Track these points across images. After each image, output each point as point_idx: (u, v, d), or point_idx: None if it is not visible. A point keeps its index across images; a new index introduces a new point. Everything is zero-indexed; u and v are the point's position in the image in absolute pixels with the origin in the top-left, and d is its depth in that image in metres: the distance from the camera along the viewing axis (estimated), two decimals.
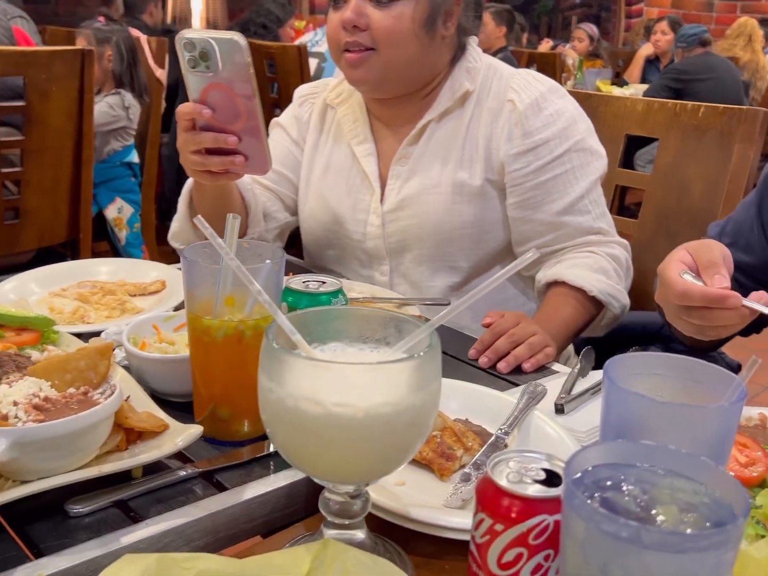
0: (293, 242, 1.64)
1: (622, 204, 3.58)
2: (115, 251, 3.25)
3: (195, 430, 0.80)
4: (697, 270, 0.91)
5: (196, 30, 0.95)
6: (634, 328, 1.44)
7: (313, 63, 3.89)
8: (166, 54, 3.44)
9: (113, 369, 0.91)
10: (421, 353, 0.60)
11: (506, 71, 1.37)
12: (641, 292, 1.46)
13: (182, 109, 1.04)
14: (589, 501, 0.46)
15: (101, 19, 3.11)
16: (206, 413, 0.86)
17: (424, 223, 1.35)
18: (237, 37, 0.94)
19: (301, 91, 1.54)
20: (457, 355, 1.13)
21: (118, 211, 3.10)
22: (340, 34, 1.28)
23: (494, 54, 4.99)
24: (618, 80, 6.21)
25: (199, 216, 0.71)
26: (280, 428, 0.61)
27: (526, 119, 1.31)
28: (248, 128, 1.02)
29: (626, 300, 1.33)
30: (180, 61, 1.00)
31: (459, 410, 0.90)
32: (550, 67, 5.03)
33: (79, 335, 1.06)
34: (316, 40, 4.13)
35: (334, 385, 0.58)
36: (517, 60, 5.00)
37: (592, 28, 6.39)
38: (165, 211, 4.35)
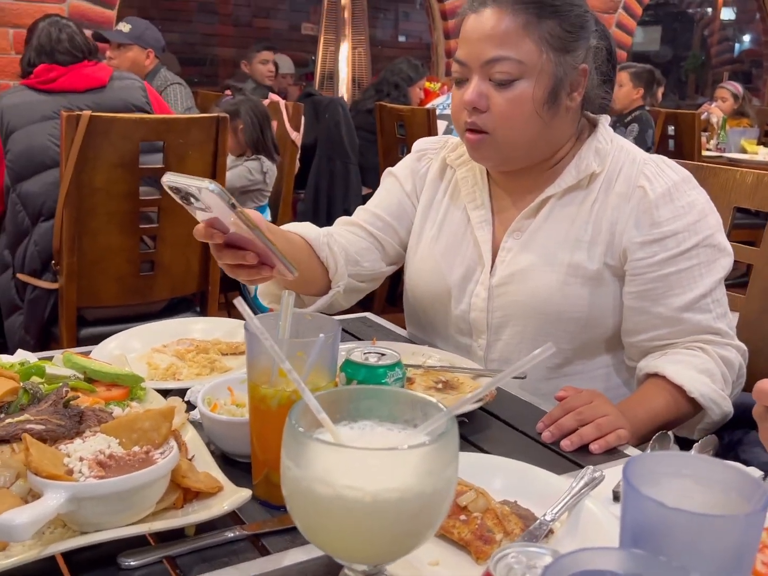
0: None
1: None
2: (246, 302, 3.41)
3: (244, 495, 0.84)
4: None
5: (177, 174, 0.94)
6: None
7: (442, 125, 3.98)
8: (302, 117, 3.63)
9: (185, 428, 0.98)
10: (430, 441, 0.61)
11: (639, 156, 1.34)
12: None
13: (196, 233, 1.06)
14: None
15: (227, 93, 3.32)
16: (261, 477, 0.90)
17: (531, 300, 1.32)
18: (209, 185, 0.92)
19: (420, 145, 1.55)
20: (526, 430, 1.12)
21: None
22: (463, 113, 1.29)
23: (630, 113, 4.91)
24: (767, 139, 5.91)
25: (239, 298, 0.76)
26: (296, 505, 0.64)
27: (656, 208, 1.27)
28: (258, 248, 1.04)
29: (729, 408, 1.26)
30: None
31: (509, 491, 0.89)
32: (690, 127, 4.87)
33: (168, 392, 1.15)
34: (447, 103, 4.23)
35: (343, 467, 0.61)
36: (653, 119, 4.89)
37: (737, 87, 6.13)
38: None
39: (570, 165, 1.34)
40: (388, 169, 1.56)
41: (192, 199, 0.97)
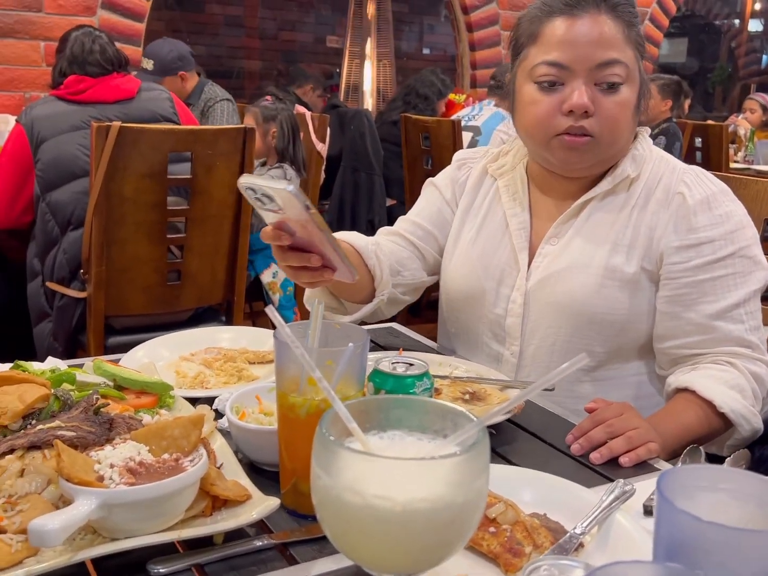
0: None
1: None
2: None
3: (272, 503, 0.84)
4: None
5: (253, 176, 0.95)
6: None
7: (467, 136, 3.97)
8: (328, 129, 3.65)
9: (214, 437, 0.98)
10: (460, 451, 0.61)
11: (679, 166, 1.36)
12: None
13: (264, 235, 1.07)
14: None
15: (268, 98, 3.36)
16: (289, 486, 0.90)
17: (567, 301, 1.33)
18: (287, 186, 0.94)
19: (460, 155, 1.57)
20: (554, 442, 1.11)
21: (273, 276, 3.28)
22: (556, 118, 1.28)
23: (657, 125, 4.88)
24: None
25: (270, 306, 0.76)
26: (326, 514, 0.64)
27: (694, 215, 1.29)
28: (325, 250, 1.06)
29: (759, 424, 1.25)
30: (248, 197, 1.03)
31: (538, 503, 0.88)
32: (718, 139, 4.83)
33: (196, 399, 1.16)
34: (473, 114, 4.22)
35: (374, 477, 0.60)
36: (681, 130, 4.85)
37: (765, 98, 6.08)
38: None
39: (609, 170, 1.36)
40: (429, 179, 1.58)
41: (266, 200, 0.99)
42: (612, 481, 1.00)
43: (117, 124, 2.21)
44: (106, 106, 2.51)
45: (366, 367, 0.90)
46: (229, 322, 2.77)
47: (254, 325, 3.62)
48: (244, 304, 2.85)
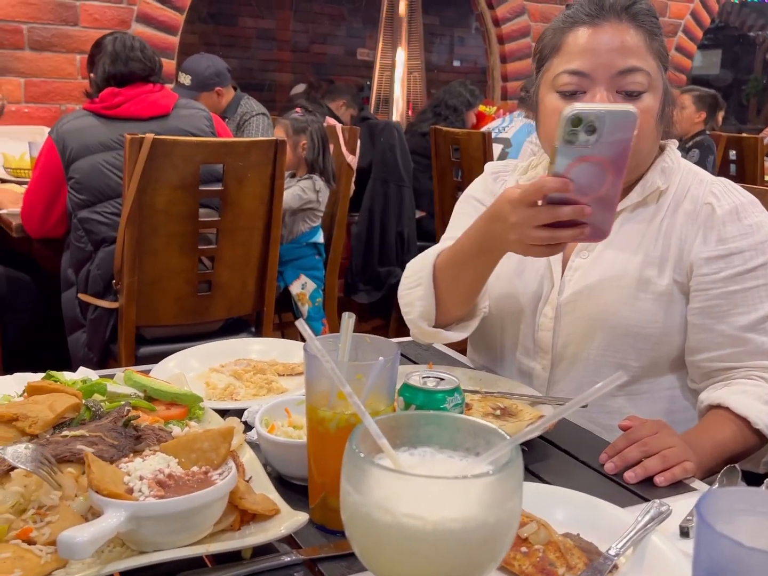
0: None
1: None
2: None
3: (301, 519, 0.83)
4: None
5: (586, 104, 0.99)
6: None
7: (497, 148, 3.97)
8: (358, 141, 3.66)
9: (243, 449, 0.98)
10: (494, 471, 0.60)
11: (707, 177, 1.35)
12: None
13: (547, 183, 1.02)
14: None
15: (298, 110, 3.38)
16: (318, 501, 0.90)
17: (600, 315, 1.31)
18: (633, 109, 0.98)
19: (493, 167, 1.55)
20: (587, 460, 1.09)
21: (302, 287, 3.29)
22: None
23: (691, 138, 4.82)
24: None
25: (301, 319, 0.76)
26: (355, 531, 0.63)
27: (723, 225, 1.27)
28: (605, 197, 1.04)
29: None
30: (557, 135, 1.01)
31: (571, 523, 0.87)
32: (752, 151, 4.76)
33: (225, 411, 1.16)
34: (503, 126, 4.21)
35: (404, 495, 0.59)
36: (715, 143, 4.79)
37: None
38: (351, 285, 4.58)
39: (638, 183, 1.34)
40: (468, 193, 1.55)
41: (584, 134, 0.99)
42: (647, 500, 0.98)
43: (150, 136, 2.23)
44: (139, 124, 2.50)
45: (396, 382, 0.89)
46: (258, 332, 2.78)
47: (283, 335, 3.63)
48: (273, 314, 2.86)
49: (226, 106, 3.97)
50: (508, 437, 0.65)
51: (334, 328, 3.63)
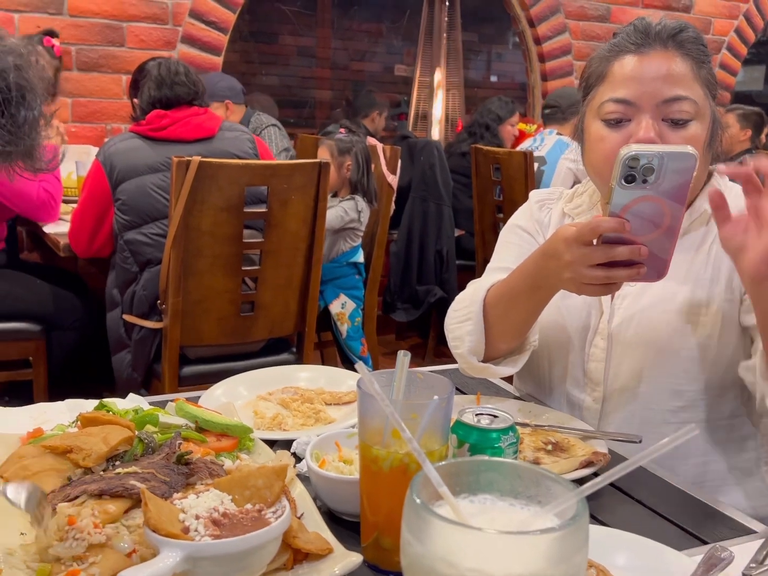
0: None
1: None
2: (337, 342, 3.45)
3: (355, 559, 0.82)
4: None
5: (644, 144, 0.99)
6: None
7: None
8: (399, 160, 3.66)
9: (293, 484, 0.97)
10: (560, 526, 0.58)
11: None
12: None
13: (603, 224, 1.03)
14: None
15: (342, 130, 3.40)
16: (371, 540, 0.88)
17: (652, 339, 1.29)
18: (692, 150, 0.97)
19: (538, 196, 1.54)
20: (644, 500, 1.06)
21: (342, 307, 3.30)
22: None
23: (737, 156, 4.75)
24: None
25: (361, 363, 0.75)
26: None
27: None
28: (662, 237, 1.04)
29: None
30: (613, 175, 1.01)
31: (631, 569, 0.84)
32: None
33: (274, 442, 1.15)
34: (536, 146, 4.20)
35: (469, 549, 0.58)
36: None
37: None
38: (389, 303, 4.57)
39: (686, 211, 1.33)
40: (513, 222, 1.52)
41: (642, 174, 0.99)
42: (705, 543, 0.96)
43: (197, 159, 2.26)
44: (184, 146, 2.53)
45: (450, 420, 0.88)
46: (299, 352, 2.79)
47: (322, 355, 3.64)
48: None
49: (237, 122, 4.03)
50: (572, 488, 0.63)
51: (373, 347, 3.63)
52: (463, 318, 1.30)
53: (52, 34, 3.40)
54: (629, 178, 0.99)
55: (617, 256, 1.03)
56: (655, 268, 1.05)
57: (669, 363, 1.29)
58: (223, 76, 4.09)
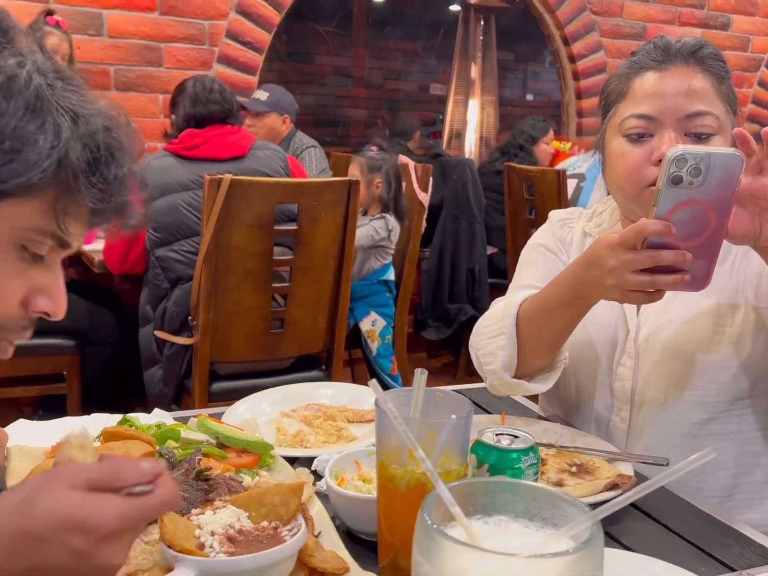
0: None
1: None
2: (367, 359, 3.45)
3: None
4: None
5: (688, 146, 0.99)
6: None
7: (571, 184, 3.91)
8: (430, 178, 3.67)
9: (312, 501, 0.97)
10: (574, 549, 0.57)
11: None
12: None
13: (649, 226, 1.01)
14: None
15: (373, 148, 3.42)
16: (388, 560, 0.88)
17: (678, 351, 1.28)
18: (740, 153, 0.97)
19: (559, 215, 1.54)
20: (668, 523, 1.04)
21: (372, 324, 3.30)
22: (647, 169, 1.25)
23: None
24: None
25: (374, 380, 0.75)
26: None
27: None
28: (707, 243, 1.03)
29: None
30: (660, 176, 1.00)
31: None
32: None
33: (295, 459, 1.15)
34: (578, 164, 4.17)
35: (478, 571, 0.57)
36: None
37: None
38: (420, 321, 4.56)
39: None
40: (536, 241, 1.51)
41: (688, 177, 0.98)
42: (733, 570, 0.93)
43: (228, 177, 2.29)
44: (216, 165, 2.56)
45: (469, 440, 0.87)
46: (328, 369, 2.79)
47: (352, 372, 3.64)
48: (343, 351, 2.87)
49: (281, 140, 4.07)
50: (587, 510, 0.62)
51: (403, 365, 3.62)
52: (496, 333, 1.29)
53: (50, 12, 3.49)
54: (676, 179, 0.98)
55: (662, 261, 1.02)
56: (698, 276, 1.04)
57: (695, 375, 1.27)
58: (287, 92, 4.15)
